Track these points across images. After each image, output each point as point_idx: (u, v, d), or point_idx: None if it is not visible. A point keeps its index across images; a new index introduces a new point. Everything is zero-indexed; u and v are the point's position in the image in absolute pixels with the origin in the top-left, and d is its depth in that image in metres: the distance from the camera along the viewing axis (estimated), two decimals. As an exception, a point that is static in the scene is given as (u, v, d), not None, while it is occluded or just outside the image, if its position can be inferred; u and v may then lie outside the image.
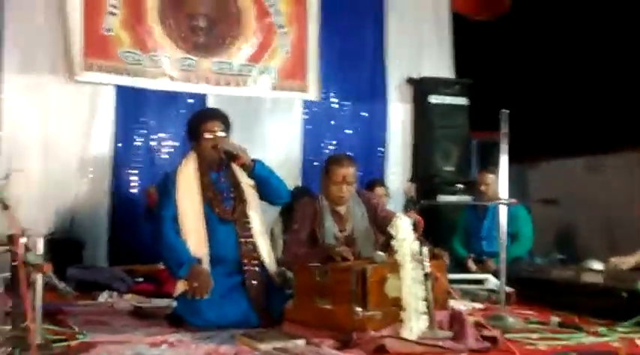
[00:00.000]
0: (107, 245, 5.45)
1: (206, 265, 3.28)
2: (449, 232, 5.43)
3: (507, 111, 3.38)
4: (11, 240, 2.42)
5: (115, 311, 3.80)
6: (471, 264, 4.93)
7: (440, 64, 6.65)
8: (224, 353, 2.61)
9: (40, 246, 2.59)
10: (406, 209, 5.41)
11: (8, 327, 2.47)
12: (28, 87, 5.28)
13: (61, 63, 5.35)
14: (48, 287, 2.81)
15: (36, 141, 5.30)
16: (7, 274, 2.43)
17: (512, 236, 4.89)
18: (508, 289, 3.79)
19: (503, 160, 3.41)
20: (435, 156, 6.28)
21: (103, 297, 4.21)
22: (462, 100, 6.35)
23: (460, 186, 6.18)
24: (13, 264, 2.42)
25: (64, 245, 4.94)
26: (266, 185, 3.44)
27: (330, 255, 3.16)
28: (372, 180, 5.65)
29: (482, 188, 5.17)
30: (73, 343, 2.74)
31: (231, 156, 3.35)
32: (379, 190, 5.30)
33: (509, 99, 6.00)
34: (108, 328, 3.16)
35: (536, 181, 6.75)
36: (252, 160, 3.38)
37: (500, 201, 3.46)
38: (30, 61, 5.27)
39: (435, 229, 5.57)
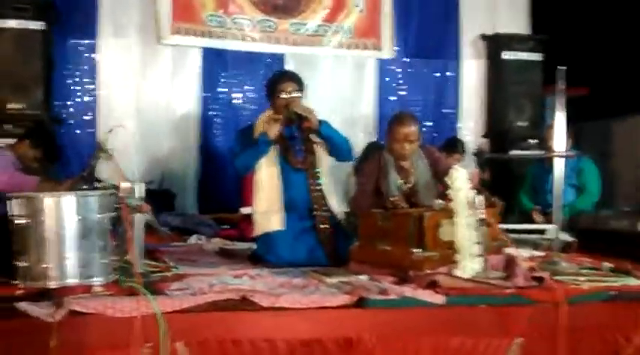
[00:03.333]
0: (196, 195, 5.96)
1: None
2: (518, 185, 5.57)
3: (564, 68, 3.52)
4: (116, 186, 2.86)
5: (203, 251, 4.26)
6: (537, 216, 5.03)
7: (516, 20, 6.64)
8: (296, 283, 2.99)
9: (142, 190, 3.02)
10: (476, 163, 5.67)
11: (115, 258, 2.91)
12: (120, 49, 5.79)
13: (150, 27, 5.79)
14: (148, 229, 3.23)
15: (128, 101, 5.82)
16: (114, 214, 2.86)
17: (579, 189, 5.02)
18: (569, 238, 3.95)
19: (559, 117, 3.58)
20: (509, 112, 6.36)
21: (193, 240, 4.68)
22: (536, 56, 6.36)
23: (533, 141, 6.22)
24: (117, 206, 2.86)
25: (158, 195, 5.44)
26: (331, 144, 3.77)
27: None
28: (451, 141, 5.87)
29: (550, 143, 5.25)
30: (169, 274, 3.19)
31: (300, 118, 3.68)
32: (455, 156, 5.48)
33: (587, 54, 6.09)
34: (197, 263, 3.61)
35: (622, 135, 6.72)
36: (319, 121, 3.69)
37: (558, 154, 3.65)
38: (122, 25, 5.76)
39: (505, 182, 5.78)
